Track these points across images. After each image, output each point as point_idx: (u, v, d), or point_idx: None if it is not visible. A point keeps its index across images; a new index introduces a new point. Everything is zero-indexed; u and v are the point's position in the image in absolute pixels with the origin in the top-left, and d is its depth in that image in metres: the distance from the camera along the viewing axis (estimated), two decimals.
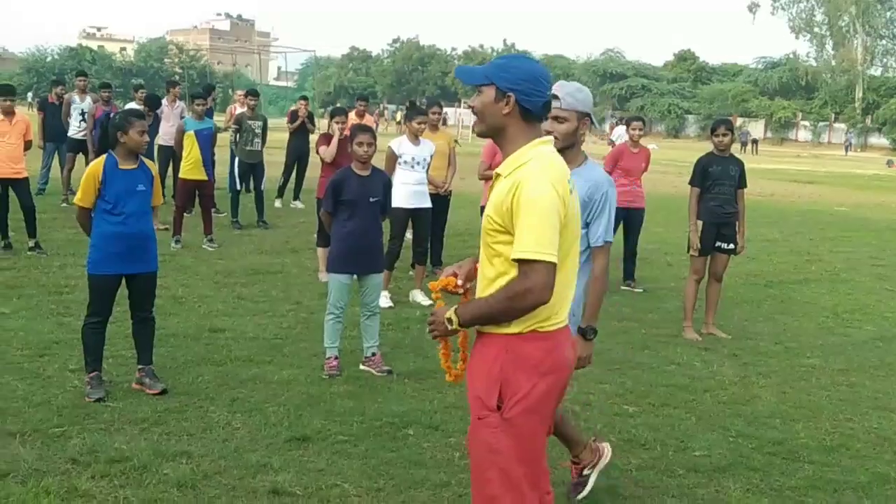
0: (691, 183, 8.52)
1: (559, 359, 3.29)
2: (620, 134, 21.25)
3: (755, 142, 61.74)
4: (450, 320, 3.29)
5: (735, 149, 9.05)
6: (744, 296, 10.54)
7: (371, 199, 6.66)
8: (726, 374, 7.27)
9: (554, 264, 3.08)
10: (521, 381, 3.21)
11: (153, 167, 6.14)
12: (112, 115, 9.55)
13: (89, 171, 5.88)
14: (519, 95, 3.23)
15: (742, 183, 8.57)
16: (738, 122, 69.04)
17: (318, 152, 10.15)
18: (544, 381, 3.24)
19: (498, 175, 3.26)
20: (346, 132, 10.08)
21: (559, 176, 3.19)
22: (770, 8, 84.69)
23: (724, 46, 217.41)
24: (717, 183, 8.39)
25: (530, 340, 3.22)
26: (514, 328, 3.21)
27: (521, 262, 3.09)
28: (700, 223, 8.43)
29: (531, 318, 3.19)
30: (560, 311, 3.28)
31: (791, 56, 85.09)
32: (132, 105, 16.01)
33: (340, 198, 6.62)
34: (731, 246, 8.56)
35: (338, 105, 16.79)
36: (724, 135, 8.46)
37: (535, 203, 3.08)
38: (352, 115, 15.12)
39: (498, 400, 3.22)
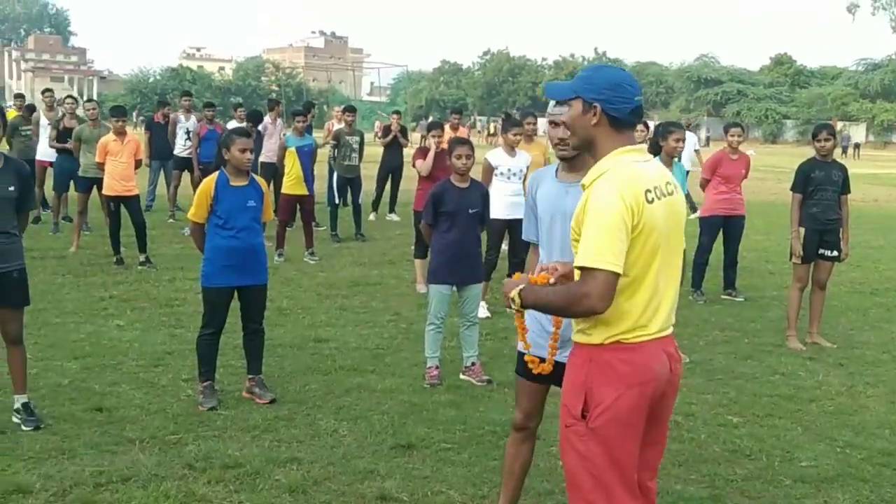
0: (793, 189, 8.39)
1: (646, 371, 3.26)
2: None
3: (857, 146, 60.04)
4: (513, 300, 3.39)
5: (836, 153, 8.85)
6: (849, 304, 10.29)
7: (470, 211, 6.76)
8: (832, 384, 7.13)
9: (614, 273, 3.08)
10: (606, 391, 3.22)
11: (264, 184, 6.34)
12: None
13: (202, 187, 6.13)
14: (604, 104, 3.26)
15: (846, 188, 8.40)
16: (839, 126, 67.14)
17: (414, 166, 10.30)
18: (631, 392, 3.22)
19: (583, 185, 3.30)
20: (443, 146, 10.21)
21: (631, 184, 3.17)
22: (871, 8, 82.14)
23: (823, 49, 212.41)
24: (820, 189, 8.24)
25: (613, 351, 3.22)
26: (596, 338, 3.24)
27: (582, 269, 3.13)
28: (802, 230, 8.29)
29: (613, 329, 3.21)
30: (650, 323, 3.25)
31: (893, 57, 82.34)
32: (233, 123, 16.47)
33: (440, 209, 6.74)
34: (835, 253, 8.39)
35: (431, 119, 16.86)
36: (825, 139, 8.30)
37: (597, 212, 3.11)
38: (446, 129, 15.26)
39: (583, 409, 3.25)
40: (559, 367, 4.00)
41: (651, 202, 3.19)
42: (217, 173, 6.16)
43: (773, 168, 34.51)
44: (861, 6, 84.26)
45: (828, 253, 8.36)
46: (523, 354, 4.09)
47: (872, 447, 5.76)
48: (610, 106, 3.26)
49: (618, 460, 3.25)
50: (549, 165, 4.43)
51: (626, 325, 3.21)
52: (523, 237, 4.41)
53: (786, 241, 8.79)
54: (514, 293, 3.38)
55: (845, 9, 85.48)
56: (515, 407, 4.33)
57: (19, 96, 16.66)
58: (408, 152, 17.74)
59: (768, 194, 23.99)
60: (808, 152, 8.56)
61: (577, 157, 4.02)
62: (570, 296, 3.17)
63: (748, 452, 5.60)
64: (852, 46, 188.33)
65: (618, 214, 3.09)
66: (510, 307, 3.44)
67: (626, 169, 3.21)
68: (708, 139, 69.96)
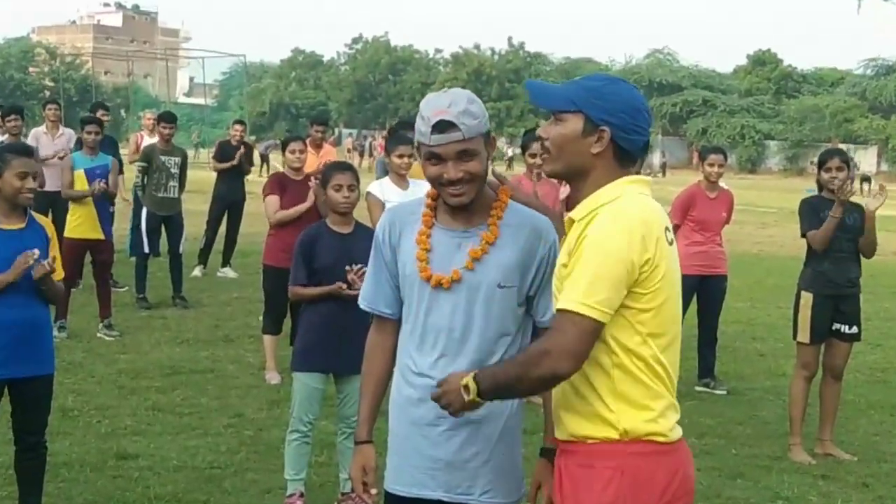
0: (806, 231, 8.50)
1: (687, 481, 3.42)
2: None
3: (866, 179, 61.99)
4: (466, 388, 3.39)
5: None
6: (870, 399, 10.55)
7: (354, 267, 6.68)
8: None
9: (597, 323, 3.19)
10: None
11: (49, 226, 6.19)
12: None
13: None
14: (615, 131, 3.36)
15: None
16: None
17: (264, 199, 10.14)
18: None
19: (571, 220, 3.40)
20: (307, 171, 10.19)
21: (646, 218, 3.30)
22: None
23: (818, 46, 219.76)
24: (832, 238, 8.44)
25: (652, 456, 3.30)
26: (627, 434, 3.30)
27: (559, 314, 3.25)
28: (810, 296, 8.47)
29: (651, 423, 3.30)
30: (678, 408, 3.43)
31: None
32: None
33: (312, 265, 6.67)
34: (855, 329, 8.61)
35: (286, 135, 16.54)
36: (838, 169, 8.50)
37: (595, 246, 3.23)
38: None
39: None
40: None
41: (671, 243, 3.36)
42: None
43: (751, 207, 35.13)
44: None
45: (845, 329, 8.56)
46: (396, 497, 4.00)
47: None
48: (623, 135, 3.38)
49: None
50: (406, 201, 4.30)
51: (661, 405, 3.33)
52: (360, 304, 4.17)
53: (778, 309, 8.98)
54: (466, 380, 3.39)
55: None
56: None
57: None
58: (253, 180, 17.75)
59: (750, 244, 24.67)
60: (798, 185, 8.86)
61: (474, 201, 3.88)
62: (528, 357, 3.32)
63: None
64: (858, 43, 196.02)
65: (621, 252, 3.21)
66: (462, 407, 3.43)
67: (637, 200, 3.36)
68: (664, 166, 71.79)
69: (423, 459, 3.90)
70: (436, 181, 3.82)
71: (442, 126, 3.69)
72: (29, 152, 6.14)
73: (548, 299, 3.88)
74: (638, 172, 3.49)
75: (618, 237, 3.23)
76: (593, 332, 3.20)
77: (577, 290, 3.20)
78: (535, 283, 3.92)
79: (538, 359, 3.24)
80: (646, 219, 3.29)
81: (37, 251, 5.83)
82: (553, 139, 3.43)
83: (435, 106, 3.73)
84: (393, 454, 4.00)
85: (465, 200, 3.80)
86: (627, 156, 3.41)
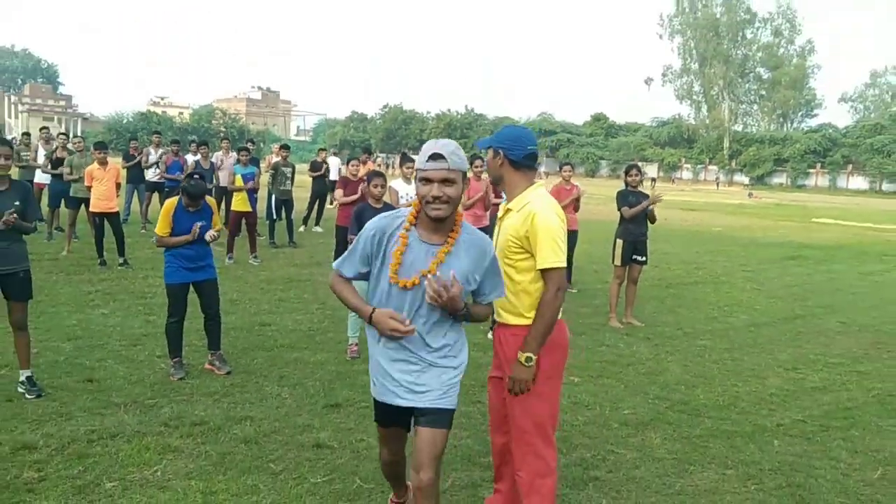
0: (621, 207, 8.50)
1: (564, 335, 3.45)
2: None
3: (653, 180, 62.07)
4: (529, 359, 3.27)
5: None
6: (651, 294, 10.61)
7: None
8: (643, 353, 7.33)
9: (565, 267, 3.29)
10: (543, 358, 3.32)
11: (213, 203, 6.09)
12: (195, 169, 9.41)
13: (165, 208, 5.83)
14: (505, 151, 3.40)
15: (650, 211, 8.65)
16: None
17: (335, 191, 10.05)
18: (555, 354, 3.38)
19: (509, 210, 3.41)
20: (360, 175, 10.09)
21: (557, 207, 3.39)
22: (660, 81, 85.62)
23: (628, 109, 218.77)
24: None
25: (555, 327, 3.38)
26: (531, 318, 3.34)
27: (549, 271, 3.26)
28: (621, 241, 8.52)
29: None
30: None
31: (676, 116, 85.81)
32: (192, 156, 15.69)
33: (361, 225, 6.61)
34: (644, 258, 8.65)
35: (348, 153, 16.39)
36: (636, 175, 8.59)
37: (548, 226, 3.26)
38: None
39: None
40: (430, 414, 3.14)
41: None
42: (177, 199, 5.85)
43: (592, 196, 35.06)
44: (654, 80, 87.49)
45: (639, 258, 8.61)
46: (377, 402, 3.24)
47: (673, 398, 5.94)
48: (508, 151, 3.40)
49: (552, 408, 3.46)
50: (395, 212, 3.18)
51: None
52: (344, 272, 3.21)
53: (605, 249, 8.98)
54: (522, 358, 3.30)
55: (643, 81, 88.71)
56: (380, 446, 3.44)
57: (26, 135, 15.66)
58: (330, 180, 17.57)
59: (589, 215, 24.41)
60: (618, 184, 8.83)
61: (447, 219, 3.04)
62: (553, 298, 3.27)
63: (586, 404, 5.70)
64: (649, 108, 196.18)
65: (560, 227, 3.30)
66: (531, 376, 3.31)
67: (548, 199, 3.38)
68: (546, 174, 71.51)
69: (397, 385, 3.14)
70: (423, 198, 3.01)
71: (434, 157, 2.97)
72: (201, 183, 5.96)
73: (491, 283, 3.17)
74: (536, 170, 3.50)
75: (556, 218, 3.31)
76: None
77: (550, 253, 3.24)
78: (478, 280, 3.13)
79: (556, 297, 3.26)
80: (557, 207, 3.39)
81: (200, 224, 5.77)
82: (487, 163, 3.52)
83: (433, 146, 3.01)
84: (375, 375, 3.23)
85: (441, 215, 2.99)
86: (516, 164, 3.40)
